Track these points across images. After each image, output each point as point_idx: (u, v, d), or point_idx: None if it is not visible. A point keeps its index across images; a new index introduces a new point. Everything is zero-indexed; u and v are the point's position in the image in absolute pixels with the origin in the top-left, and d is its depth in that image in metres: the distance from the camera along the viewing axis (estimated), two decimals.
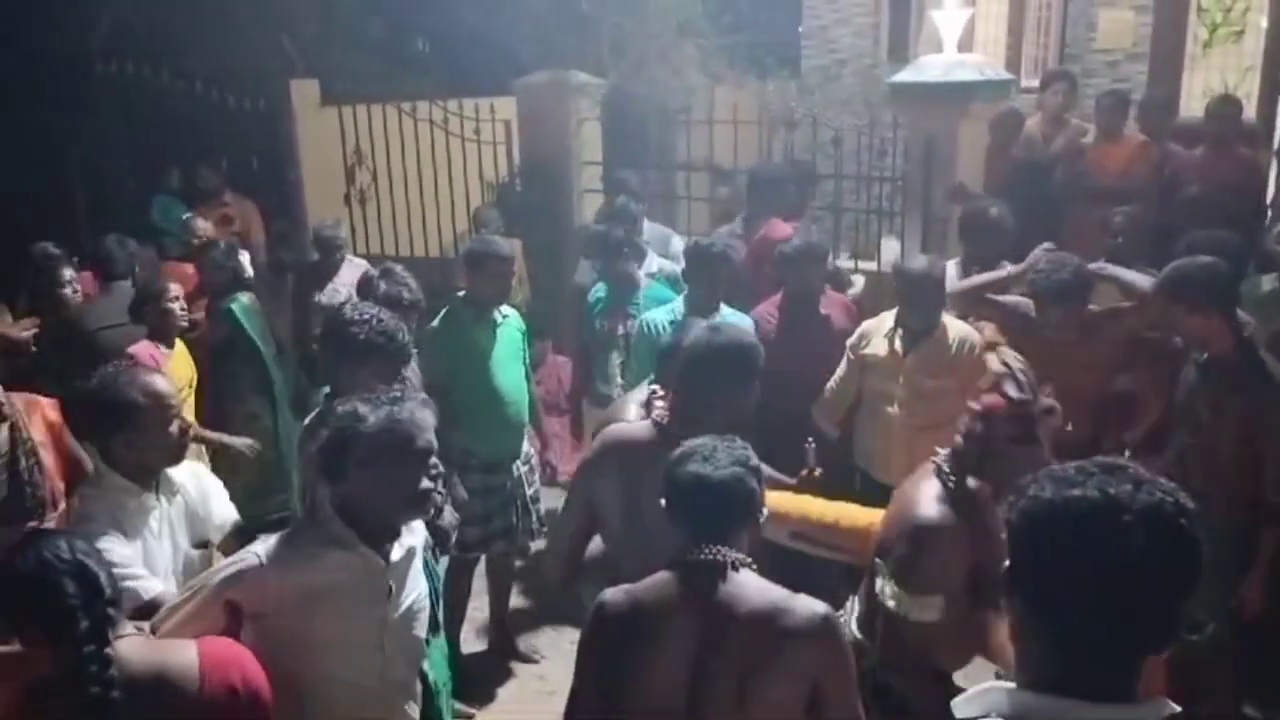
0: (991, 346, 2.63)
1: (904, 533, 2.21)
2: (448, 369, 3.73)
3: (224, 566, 1.93)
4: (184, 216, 5.59)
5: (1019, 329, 3.50)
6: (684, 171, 6.31)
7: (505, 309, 3.95)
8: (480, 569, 4.01)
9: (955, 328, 3.62)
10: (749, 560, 1.82)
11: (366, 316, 2.65)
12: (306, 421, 2.72)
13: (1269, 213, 4.94)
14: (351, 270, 5.15)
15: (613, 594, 1.86)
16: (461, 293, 3.99)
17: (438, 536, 3.18)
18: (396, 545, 2.03)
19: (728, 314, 3.87)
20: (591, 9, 7.40)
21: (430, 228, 6.48)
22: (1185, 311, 2.96)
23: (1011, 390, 2.29)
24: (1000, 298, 3.72)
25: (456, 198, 6.42)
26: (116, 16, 7.19)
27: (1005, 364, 2.38)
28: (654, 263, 4.66)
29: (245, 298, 4.57)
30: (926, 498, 2.24)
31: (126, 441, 2.21)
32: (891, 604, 2.16)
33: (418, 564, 2.11)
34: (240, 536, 2.37)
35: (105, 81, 6.86)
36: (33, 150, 6.68)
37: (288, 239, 6.75)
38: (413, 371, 3.33)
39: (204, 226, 5.36)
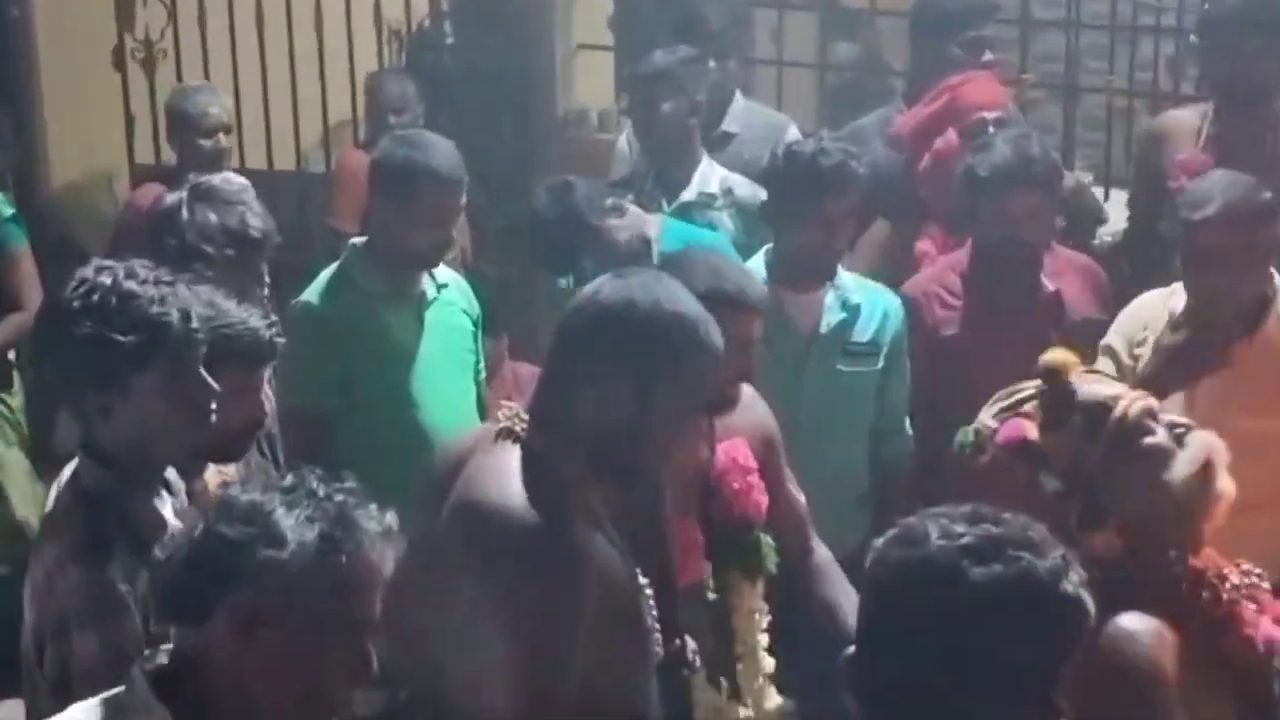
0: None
1: None
2: (331, 383, 3.87)
3: None
4: None
5: None
6: (770, 10, 6.42)
7: (442, 273, 4.08)
8: None
9: None
10: None
11: (131, 289, 2.61)
12: (54, 495, 2.77)
13: None
14: None
15: None
16: (357, 240, 4.12)
17: None
18: None
19: (849, 283, 4.00)
20: None
21: (279, 116, 6.57)
22: None
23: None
24: None
25: (330, 58, 6.53)
26: None
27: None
28: (712, 178, 4.83)
29: None
30: None
31: None
32: None
33: None
34: None
35: None
36: None
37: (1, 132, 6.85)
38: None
39: None
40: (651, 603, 2.64)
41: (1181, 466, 2.58)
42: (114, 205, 6.92)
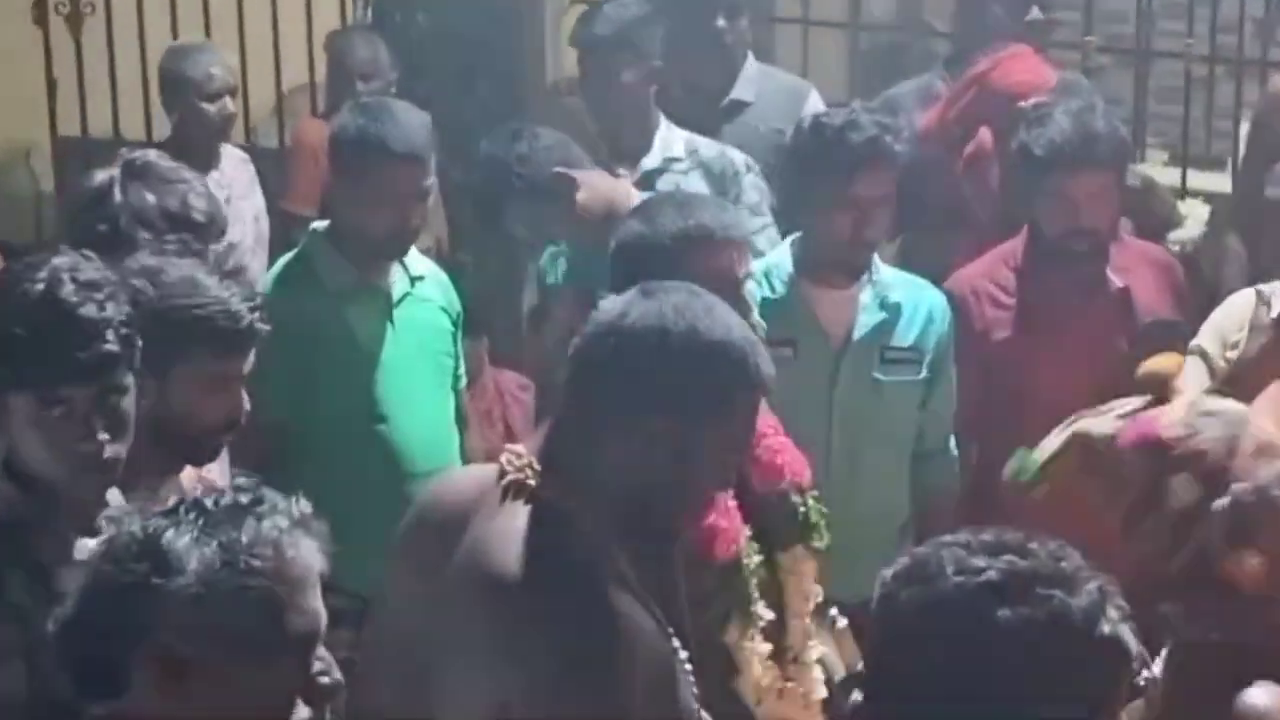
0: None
1: None
2: (287, 391, 3.84)
3: None
4: None
5: None
6: None
7: (417, 263, 4.08)
8: None
9: None
10: None
11: (19, 293, 2.63)
12: None
13: None
14: (236, 165, 5.44)
15: None
16: (318, 225, 4.13)
17: None
18: None
19: (889, 278, 3.99)
20: None
21: None
22: None
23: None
24: None
25: (285, 13, 6.55)
26: None
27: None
28: (674, 142, 4.80)
29: None
30: None
31: None
32: None
33: None
34: None
35: None
36: None
37: None
38: None
39: None
40: (691, 677, 2.58)
41: None
42: (33, 184, 6.88)
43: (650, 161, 4.69)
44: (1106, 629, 1.83)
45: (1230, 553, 2.49)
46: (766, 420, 3.12)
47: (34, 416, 2.58)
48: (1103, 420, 2.86)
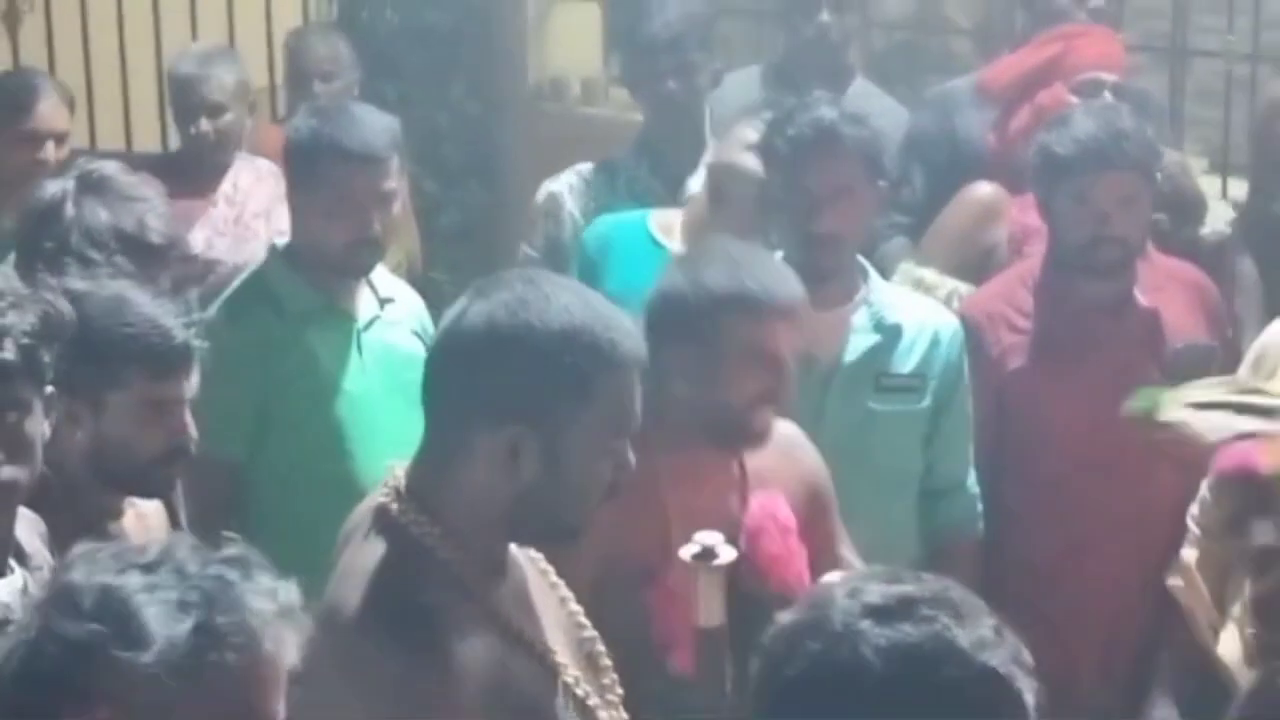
0: None
1: None
2: (243, 425, 3.95)
3: None
4: None
5: None
6: None
7: (386, 284, 4.19)
8: None
9: None
10: None
11: None
12: None
13: None
14: (257, 179, 5.49)
15: None
16: (276, 242, 4.25)
17: None
18: None
19: (888, 299, 4.02)
20: None
21: None
22: None
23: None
24: None
25: (243, 10, 6.65)
26: None
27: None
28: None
29: None
30: None
31: None
32: None
33: None
34: None
35: None
36: None
37: None
38: None
39: None
40: (594, 703, 2.62)
41: None
42: None
43: (696, 184, 4.70)
44: (995, 663, 1.84)
45: None
46: (773, 512, 3.20)
47: None
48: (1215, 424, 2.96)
